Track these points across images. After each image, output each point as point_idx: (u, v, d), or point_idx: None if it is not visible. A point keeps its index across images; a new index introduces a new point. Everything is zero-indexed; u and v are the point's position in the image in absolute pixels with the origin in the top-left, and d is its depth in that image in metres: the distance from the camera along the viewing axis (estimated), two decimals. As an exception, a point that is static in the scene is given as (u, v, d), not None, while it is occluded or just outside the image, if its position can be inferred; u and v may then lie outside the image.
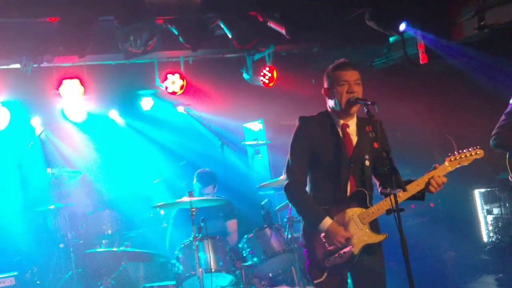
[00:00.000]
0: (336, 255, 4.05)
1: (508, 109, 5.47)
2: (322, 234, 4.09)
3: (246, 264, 6.66)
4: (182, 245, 6.47)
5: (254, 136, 9.41)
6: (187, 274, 6.29)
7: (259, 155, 9.58)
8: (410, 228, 8.40)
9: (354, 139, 4.28)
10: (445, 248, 8.54)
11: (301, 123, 4.32)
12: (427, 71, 8.54)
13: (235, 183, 8.52)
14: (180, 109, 9.24)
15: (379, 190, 4.38)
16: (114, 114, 9.28)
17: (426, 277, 7.89)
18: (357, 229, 4.11)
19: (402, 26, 7.41)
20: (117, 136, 9.36)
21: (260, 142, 8.70)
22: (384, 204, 4.10)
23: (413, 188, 4.11)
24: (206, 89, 8.86)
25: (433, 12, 7.91)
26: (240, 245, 6.86)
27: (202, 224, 6.09)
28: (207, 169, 7.68)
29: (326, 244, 4.08)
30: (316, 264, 4.14)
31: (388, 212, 3.87)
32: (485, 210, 8.49)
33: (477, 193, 8.62)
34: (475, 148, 4.30)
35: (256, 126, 9.64)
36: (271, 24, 7.10)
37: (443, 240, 8.63)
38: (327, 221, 4.06)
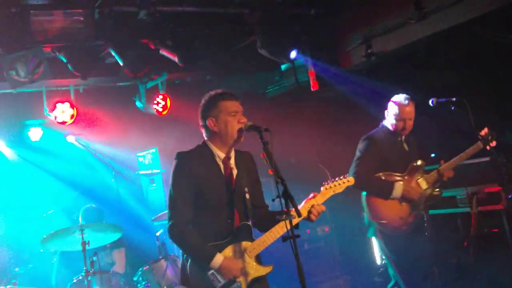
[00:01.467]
0: None
1: (363, 148, 5.59)
2: (210, 272, 3.95)
3: (141, 298, 6.50)
4: (74, 281, 6.21)
5: (148, 165, 9.25)
6: (79, 312, 6.04)
7: (154, 185, 9.41)
8: (306, 253, 8.52)
9: (234, 172, 4.19)
10: (341, 272, 8.70)
11: (180, 160, 4.12)
12: (319, 97, 8.75)
13: (129, 213, 8.33)
14: (71, 139, 8.94)
15: (251, 222, 4.24)
16: (0, 146, 8.82)
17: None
18: (244, 263, 4.05)
19: (293, 54, 7.61)
20: (5, 168, 8.90)
21: (154, 171, 8.58)
22: (270, 235, 4.07)
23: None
24: (98, 118, 8.63)
25: (323, 40, 8.15)
26: (135, 278, 6.68)
27: (94, 258, 5.88)
28: (93, 205, 7.45)
29: (214, 282, 3.96)
30: None
31: (284, 239, 3.79)
32: (377, 233, 8.72)
33: (369, 216, 8.83)
34: (345, 176, 4.36)
35: (150, 155, 9.49)
36: (164, 52, 7.05)
37: (338, 264, 8.80)
38: (219, 258, 3.94)
